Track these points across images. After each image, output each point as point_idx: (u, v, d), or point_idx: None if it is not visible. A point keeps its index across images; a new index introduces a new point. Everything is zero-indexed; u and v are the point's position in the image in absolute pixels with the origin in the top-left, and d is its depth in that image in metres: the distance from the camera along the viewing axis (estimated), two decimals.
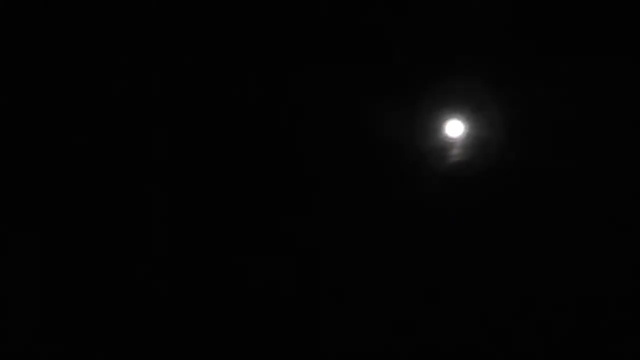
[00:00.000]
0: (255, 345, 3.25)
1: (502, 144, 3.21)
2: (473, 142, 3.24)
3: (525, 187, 3.24)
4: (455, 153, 3.23)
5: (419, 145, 3.24)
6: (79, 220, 3.25)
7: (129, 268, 3.25)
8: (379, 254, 3.27)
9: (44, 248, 3.19)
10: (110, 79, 3.20)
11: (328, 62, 3.21)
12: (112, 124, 3.22)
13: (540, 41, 3.18)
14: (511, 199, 3.24)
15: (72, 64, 3.21)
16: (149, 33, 3.20)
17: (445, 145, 3.24)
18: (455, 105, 3.24)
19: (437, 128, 3.24)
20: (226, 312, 3.28)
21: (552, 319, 3.19)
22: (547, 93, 3.19)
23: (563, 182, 3.21)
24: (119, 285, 3.24)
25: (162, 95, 3.25)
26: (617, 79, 3.16)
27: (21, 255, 3.16)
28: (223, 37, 3.24)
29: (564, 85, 3.19)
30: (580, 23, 3.15)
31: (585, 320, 3.18)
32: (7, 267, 3.14)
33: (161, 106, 3.27)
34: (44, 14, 3.15)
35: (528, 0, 3.15)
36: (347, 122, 3.24)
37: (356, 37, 3.19)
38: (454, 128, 3.24)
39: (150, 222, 3.25)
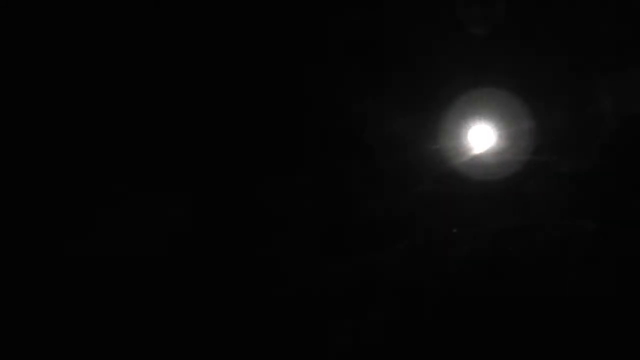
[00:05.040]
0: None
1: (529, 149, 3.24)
2: (500, 147, 3.26)
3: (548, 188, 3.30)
4: (479, 157, 3.26)
5: (442, 148, 3.28)
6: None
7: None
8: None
9: None
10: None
11: (355, 68, 3.26)
12: None
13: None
14: (534, 202, 3.30)
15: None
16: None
17: (469, 149, 3.25)
18: (482, 113, 3.27)
19: (463, 133, 3.28)
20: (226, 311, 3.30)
21: None
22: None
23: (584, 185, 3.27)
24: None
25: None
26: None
27: None
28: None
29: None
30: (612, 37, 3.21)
31: None
32: None
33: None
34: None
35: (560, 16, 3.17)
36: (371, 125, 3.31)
37: (386, 44, 3.24)
38: (480, 134, 3.29)
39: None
